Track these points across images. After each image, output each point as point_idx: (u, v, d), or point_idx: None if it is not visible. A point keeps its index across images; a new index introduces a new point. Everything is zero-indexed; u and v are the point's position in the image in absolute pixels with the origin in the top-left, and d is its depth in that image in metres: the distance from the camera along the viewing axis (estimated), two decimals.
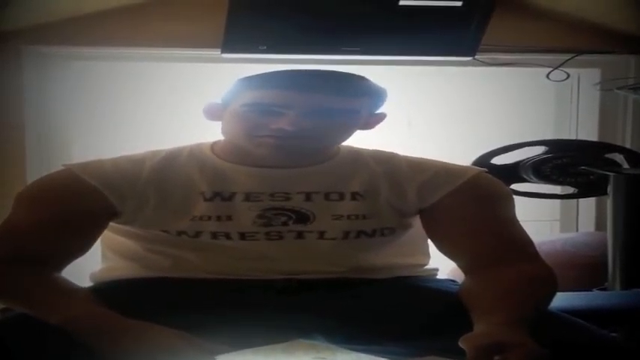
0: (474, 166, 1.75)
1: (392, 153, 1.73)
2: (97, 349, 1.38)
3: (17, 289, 1.52)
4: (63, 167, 1.66)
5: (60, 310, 1.44)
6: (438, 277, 1.82)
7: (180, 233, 1.60)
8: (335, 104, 1.56)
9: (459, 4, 3.03)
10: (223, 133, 1.66)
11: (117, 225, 1.64)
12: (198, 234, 1.60)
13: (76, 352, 1.39)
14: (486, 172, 1.72)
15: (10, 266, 1.53)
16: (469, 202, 1.64)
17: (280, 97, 1.53)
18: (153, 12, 3.05)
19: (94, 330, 1.41)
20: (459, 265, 1.67)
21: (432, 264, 1.82)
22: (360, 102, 1.60)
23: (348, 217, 1.63)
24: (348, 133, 1.65)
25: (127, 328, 1.42)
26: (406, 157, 1.72)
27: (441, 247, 1.69)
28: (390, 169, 1.68)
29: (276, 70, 1.59)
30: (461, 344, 1.30)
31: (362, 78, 1.61)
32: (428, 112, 3.64)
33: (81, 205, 1.59)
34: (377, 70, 3.31)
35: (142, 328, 1.42)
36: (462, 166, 1.72)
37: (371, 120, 1.67)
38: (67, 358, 1.39)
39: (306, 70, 1.61)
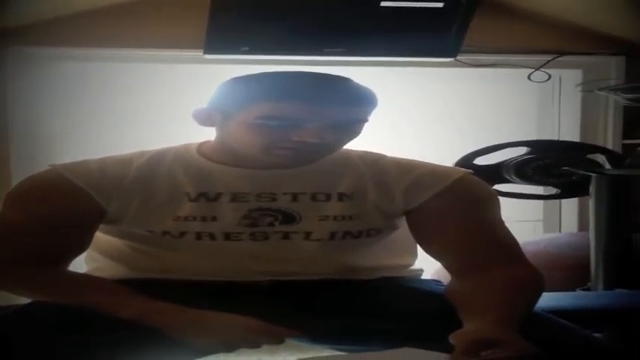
0: (460, 168, 1.74)
1: (380, 154, 1.73)
2: (172, 337, 1.45)
3: (55, 286, 1.55)
4: (49, 167, 1.65)
5: (127, 306, 1.48)
6: (422, 277, 1.82)
7: (164, 233, 1.60)
8: (352, 115, 1.55)
9: (441, 5, 3.04)
10: (229, 140, 1.61)
11: (105, 225, 1.64)
12: (182, 234, 1.60)
13: (78, 349, 1.39)
14: (472, 173, 1.72)
15: (23, 266, 1.54)
16: (455, 204, 1.64)
17: (299, 110, 1.49)
18: (136, 13, 3.05)
19: (165, 323, 1.46)
20: (446, 266, 1.67)
21: (416, 264, 1.82)
22: (368, 111, 1.58)
23: (335, 217, 1.62)
24: (351, 140, 1.63)
25: (203, 317, 1.48)
26: (394, 158, 1.72)
27: (427, 249, 1.69)
28: (378, 171, 1.68)
29: (282, 74, 1.56)
30: (451, 340, 1.31)
31: (367, 88, 1.59)
32: (410, 113, 3.64)
33: (68, 205, 1.59)
34: (359, 71, 3.32)
35: (217, 315, 1.48)
36: (448, 168, 1.72)
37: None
38: (70, 353, 1.39)
39: (318, 79, 1.56)
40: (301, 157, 1.56)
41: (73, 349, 1.39)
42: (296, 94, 1.50)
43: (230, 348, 1.45)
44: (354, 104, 1.55)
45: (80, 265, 1.75)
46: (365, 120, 1.58)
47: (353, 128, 1.58)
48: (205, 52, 3.04)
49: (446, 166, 1.72)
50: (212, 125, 1.61)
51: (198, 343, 1.45)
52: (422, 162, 1.71)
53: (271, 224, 1.61)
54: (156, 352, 1.47)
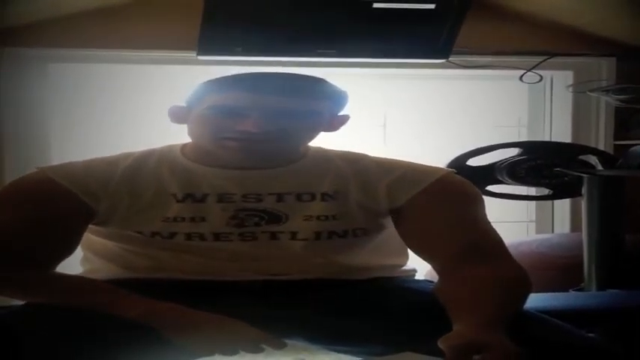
0: (442, 167, 1.75)
1: (362, 154, 1.74)
2: (172, 340, 1.45)
3: (47, 287, 1.55)
4: (36, 169, 1.66)
5: (128, 306, 1.49)
6: (415, 277, 1.82)
7: (154, 234, 1.60)
8: (296, 106, 1.58)
9: (432, 6, 3.05)
10: (190, 135, 1.67)
11: (95, 227, 1.64)
12: (172, 235, 1.60)
13: (77, 349, 1.39)
14: (455, 172, 1.73)
15: (12, 268, 1.54)
16: (437, 203, 1.64)
17: (243, 99, 1.55)
18: (129, 14, 3.06)
19: (167, 323, 1.47)
20: (431, 265, 1.67)
21: (409, 264, 1.82)
22: (321, 104, 1.62)
23: (318, 217, 1.63)
24: (311, 135, 1.67)
25: (206, 320, 1.48)
26: (376, 157, 1.73)
27: (413, 247, 1.70)
28: (359, 170, 1.68)
29: (240, 72, 1.60)
30: (439, 344, 1.30)
31: (322, 80, 1.63)
32: (403, 114, 3.65)
33: (55, 207, 1.60)
34: (352, 72, 3.33)
35: (220, 320, 1.49)
36: (431, 167, 1.73)
37: (334, 122, 1.69)
38: (69, 353, 1.39)
39: (268, 73, 1.64)
40: (249, 151, 1.58)
41: (72, 350, 1.39)
42: (242, 85, 1.56)
43: (230, 353, 1.45)
44: (299, 94, 1.58)
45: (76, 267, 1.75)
46: (317, 112, 1.61)
47: (302, 121, 1.60)
48: (198, 53, 3.04)
49: (428, 165, 1.73)
50: (183, 122, 1.66)
51: (197, 345, 1.46)
52: (404, 161, 1.73)
53: (258, 224, 1.62)
54: (155, 352, 1.47)
